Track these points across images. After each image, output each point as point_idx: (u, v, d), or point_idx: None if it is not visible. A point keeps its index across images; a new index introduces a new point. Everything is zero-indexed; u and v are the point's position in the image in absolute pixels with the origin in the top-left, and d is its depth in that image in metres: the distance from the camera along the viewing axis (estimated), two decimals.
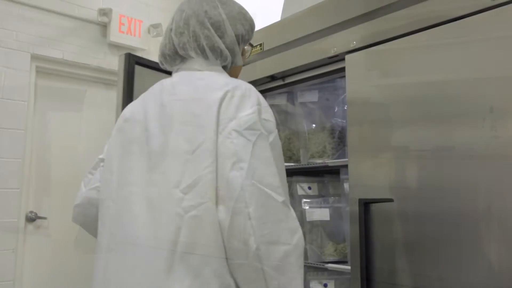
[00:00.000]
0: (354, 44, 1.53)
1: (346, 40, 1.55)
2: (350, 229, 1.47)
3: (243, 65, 1.27)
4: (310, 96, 1.88)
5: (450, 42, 1.29)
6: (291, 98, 1.96)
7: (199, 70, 1.13)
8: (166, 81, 1.16)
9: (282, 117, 1.98)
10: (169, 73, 1.24)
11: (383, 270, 1.38)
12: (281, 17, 2.12)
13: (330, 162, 1.71)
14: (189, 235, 0.93)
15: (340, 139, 1.81)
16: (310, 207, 1.75)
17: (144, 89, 1.58)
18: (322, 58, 1.65)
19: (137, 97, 1.25)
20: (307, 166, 1.80)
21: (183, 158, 0.97)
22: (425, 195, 1.30)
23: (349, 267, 1.53)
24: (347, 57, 1.54)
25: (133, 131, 1.11)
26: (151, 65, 1.70)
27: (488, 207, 1.17)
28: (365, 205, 1.43)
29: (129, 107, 1.21)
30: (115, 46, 3.18)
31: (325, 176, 1.90)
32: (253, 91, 1.04)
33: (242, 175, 0.92)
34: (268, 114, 1.02)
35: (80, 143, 3.11)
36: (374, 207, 1.42)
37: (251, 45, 1.28)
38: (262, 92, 1.96)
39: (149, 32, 3.30)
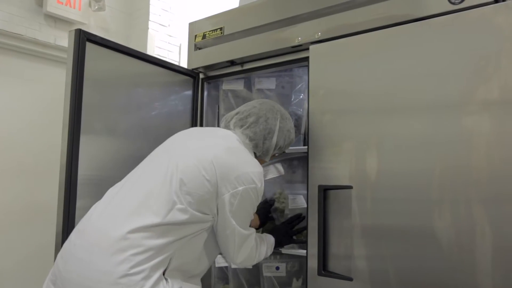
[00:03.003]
0: (319, 35, 1.57)
1: (311, 31, 1.59)
2: (309, 214, 1.53)
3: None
4: (268, 84, 1.90)
5: (410, 40, 1.37)
6: (248, 84, 1.97)
7: (237, 141, 1.46)
8: (227, 131, 1.51)
9: (239, 103, 1.98)
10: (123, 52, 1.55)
11: (339, 254, 1.45)
12: (239, 3, 2.11)
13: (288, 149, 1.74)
14: None
15: (296, 127, 1.85)
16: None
17: (97, 69, 1.54)
18: (286, 46, 1.67)
19: (89, 77, 1.48)
20: None
21: None
22: (382, 183, 1.38)
23: (304, 251, 1.59)
24: (311, 47, 1.58)
25: None
26: (105, 43, 1.61)
27: (441, 194, 1.28)
28: (324, 191, 1.49)
29: None
30: (51, 17, 2.96)
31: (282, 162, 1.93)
32: (257, 167, 1.38)
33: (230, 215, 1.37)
34: (261, 185, 1.39)
35: (7, 120, 2.88)
36: (333, 193, 1.48)
37: (281, 151, 1.59)
38: (220, 76, 1.96)
39: (90, 5, 3.10)
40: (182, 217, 1.23)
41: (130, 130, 1.55)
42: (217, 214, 1.32)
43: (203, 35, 1.93)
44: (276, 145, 1.50)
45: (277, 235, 1.66)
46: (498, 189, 1.19)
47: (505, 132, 1.19)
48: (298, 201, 1.85)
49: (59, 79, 3.11)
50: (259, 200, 1.39)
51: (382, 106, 1.41)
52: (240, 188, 1.30)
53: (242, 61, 1.87)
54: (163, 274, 1.22)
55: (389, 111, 1.39)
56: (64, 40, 3.03)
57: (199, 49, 1.98)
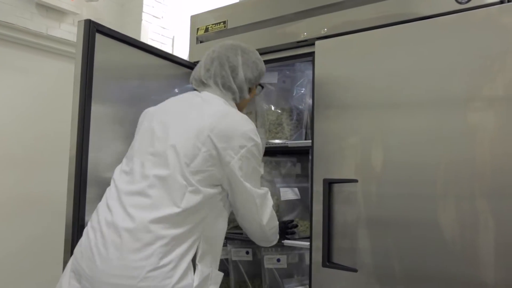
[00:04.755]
0: (325, 31, 1.59)
1: (317, 27, 1.61)
2: (313, 208, 1.55)
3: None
4: (270, 78, 1.92)
5: (417, 38, 1.40)
6: None
7: (216, 96, 1.48)
8: (200, 94, 1.51)
9: None
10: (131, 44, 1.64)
11: (344, 247, 1.49)
12: None
13: (291, 143, 1.77)
14: None
15: (298, 121, 1.88)
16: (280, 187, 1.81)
17: (106, 60, 1.52)
18: (291, 41, 1.69)
19: (98, 69, 1.51)
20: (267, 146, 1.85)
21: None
22: (387, 177, 1.41)
23: (307, 243, 1.62)
24: (317, 42, 1.60)
25: None
26: (113, 34, 1.60)
27: (445, 188, 1.32)
28: (329, 184, 1.52)
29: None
30: (43, 7, 2.91)
31: (281, 156, 1.96)
32: (248, 123, 1.39)
33: (241, 178, 1.40)
34: (258, 139, 1.40)
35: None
36: (337, 187, 1.51)
37: (261, 86, 1.64)
38: None
39: None
40: (196, 198, 1.26)
41: (136, 122, 1.54)
42: (230, 183, 1.35)
43: (205, 28, 1.93)
44: (246, 79, 1.50)
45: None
46: (501, 184, 1.23)
47: (508, 128, 1.23)
48: (289, 194, 1.86)
49: (50, 69, 3.07)
50: (262, 154, 1.46)
51: (387, 102, 1.44)
52: (244, 151, 1.34)
53: None
54: (194, 260, 1.25)
55: (394, 107, 1.43)
56: (56, 30, 2.99)
57: (201, 42, 1.98)
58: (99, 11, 3.21)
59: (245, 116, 1.43)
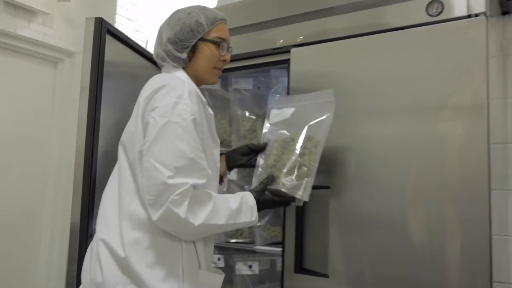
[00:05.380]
0: (301, 39, 1.62)
1: (294, 34, 1.63)
2: (286, 214, 1.56)
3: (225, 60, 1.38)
4: (245, 84, 1.92)
5: (390, 48, 1.44)
6: (225, 83, 1.98)
7: (165, 71, 1.36)
8: None
9: (216, 101, 1.99)
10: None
11: (316, 253, 1.50)
12: (217, 3, 2.12)
13: None
14: None
15: None
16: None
17: (115, 61, 1.48)
18: (267, 48, 1.70)
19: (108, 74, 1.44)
20: None
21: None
22: (359, 184, 1.44)
23: (279, 249, 1.62)
24: (292, 50, 1.62)
25: None
26: (120, 36, 1.54)
27: (414, 195, 1.35)
28: None
29: None
30: (11, 5, 2.82)
31: None
32: (179, 88, 1.19)
33: (145, 152, 1.14)
34: (186, 105, 1.16)
35: None
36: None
37: (213, 42, 1.34)
38: None
39: None
40: None
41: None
42: None
43: None
44: (168, 40, 1.32)
45: (260, 195, 1.32)
46: (468, 190, 1.27)
47: (475, 137, 1.28)
48: None
49: (16, 70, 2.98)
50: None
51: (360, 109, 1.47)
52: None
53: None
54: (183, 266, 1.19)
55: (367, 114, 1.46)
56: (25, 30, 2.91)
57: None
58: (70, 11, 3.15)
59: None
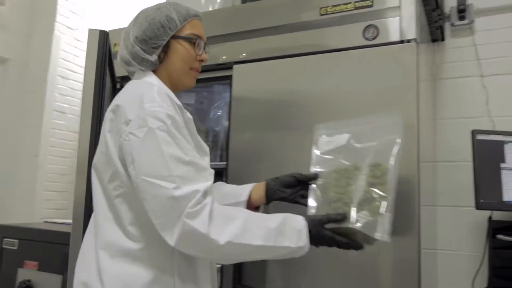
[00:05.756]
0: (243, 56, 1.64)
1: (237, 51, 1.65)
2: None
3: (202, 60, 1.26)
4: (187, 98, 1.91)
5: (329, 68, 1.50)
6: None
7: (136, 78, 1.21)
8: None
9: None
10: None
11: (254, 268, 1.50)
12: None
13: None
14: None
15: (214, 142, 1.89)
16: None
17: None
18: (210, 64, 1.70)
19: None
20: None
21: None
22: None
23: (218, 265, 1.61)
24: (235, 66, 1.64)
25: None
26: None
27: None
28: None
29: None
30: None
31: None
32: (147, 92, 1.07)
33: (135, 174, 1.00)
34: (160, 108, 1.03)
35: None
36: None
37: (187, 39, 1.20)
38: None
39: None
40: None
41: None
42: None
43: None
44: (135, 39, 1.18)
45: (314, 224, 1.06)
46: (399, 206, 1.32)
47: (406, 155, 1.34)
48: None
49: None
50: None
51: (299, 125, 1.51)
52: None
53: None
54: None
55: (306, 130, 1.49)
56: None
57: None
58: (5, 16, 2.99)
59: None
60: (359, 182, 1.10)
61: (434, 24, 1.95)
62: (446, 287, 1.90)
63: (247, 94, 1.61)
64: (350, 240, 1.05)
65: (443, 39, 2.13)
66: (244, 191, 1.27)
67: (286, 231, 1.02)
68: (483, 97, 2.04)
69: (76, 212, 1.46)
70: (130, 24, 1.24)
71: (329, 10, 1.51)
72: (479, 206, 1.66)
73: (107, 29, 2.05)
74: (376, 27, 1.44)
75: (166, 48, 1.19)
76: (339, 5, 1.50)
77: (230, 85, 1.64)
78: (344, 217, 1.05)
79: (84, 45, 3.26)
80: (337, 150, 1.21)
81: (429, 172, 1.86)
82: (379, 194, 1.07)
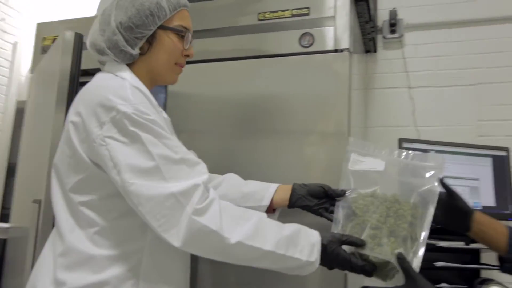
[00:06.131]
0: None
1: None
2: None
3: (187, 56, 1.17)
4: None
5: (266, 73, 1.52)
6: None
7: (108, 70, 1.10)
8: None
9: None
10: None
11: None
12: (97, 11, 2.03)
13: None
14: None
15: None
16: None
17: None
18: None
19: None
20: None
21: None
22: None
23: None
24: None
25: None
26: None
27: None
28: None
29: None
30: None
31: None
32: (119, 89, 0.98)
33: (121, 178, 0.92)
34: (137, 107, 0.96)
35: None
36: None
37: (176, 31, 1.11)
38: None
39: None
40: None
41: None
42: None
43: (53, 39, 1.79)
44: (119, 25, 1.05)
45: (330, 241, 1.00)
46: None
47: (337, 161, 1.38)
48: None
49: None
50: None
51: (235, 130, 1.51)
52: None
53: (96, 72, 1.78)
54: None
55: (242, 135, 1.50)
56: None
57: (47, 52, 1.83)
58: None
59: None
60: (401, 217, 1.05)
61: (367, 35, 2.03)
62: (373, 283, 1.97)
63: (182, 96, 1.59)
64: (366, 264, 0.98)
65: (375, 51, 2.23)
66: (266, 193, 1.20)
67: (300, 242, 0.96)
68: (410, 107, 2.16)
69: None
70: (110, 6, 1.10)
71: (267, 16, 1.53)
72: None
73: (36, 21, 1.95)
74: (312, 35, 1.48)
75: (151, 39, 1.09)
76: (277, 11, 1.52)
77: (166, 86, 1.61)
78: (364, 243, 0.99)
79: (11, 37, 3.08)
80: (372, 174, 1.15)
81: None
82: (416, 235, 1.03)
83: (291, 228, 0.99)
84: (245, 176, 1.45)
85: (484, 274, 1.77)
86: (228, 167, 1.47)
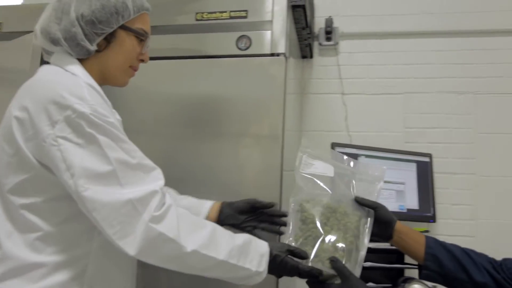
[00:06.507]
0: None
1: None
2: None
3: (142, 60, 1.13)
4: None
5: (200, 74, 1.50)
6: None
7: (56, 63, 1.02)
8: None
9: None
10: None
11: None
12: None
13: None
14: None
15: None
16: None
17: None
18: None
19: None
20: None
21: None
22: None
23: None
24: None
25: None
26: None
27: None
28: None
29: None
30: None
31: None
32: (74, 87, 0.92)
33: (74, 182, 0.86)
34: (93, 107, 0.91)
35: None
36: None
37: (137, 34, 1.08)
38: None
39: None
40: None
41: None
42: None
43: None
44: (79, 17, 0.99)
45: (278, 251, 1.02)
46: None
47: (270, 164, 1.40)
48: None
49: None
50: None
51: (169, 131, 1.49)
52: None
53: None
54: None
55: (177, 137, 1.48)
56: None
57: None
58: None
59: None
60: (348, 230, 1.08)
61: (304, 41, 2.08)
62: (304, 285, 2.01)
63: (116, 94, 1.53)
64: (313, 268, 1.01)
65: (311, 57, 2.29)
66: (202, 208, 1.21)
67: (250, 252, 0.97)
68: (343, 113, 2.24)
69: None
70: None
71: (204, 16, 1.52)
72: None
73: None
74: (249, 38, 1.48)
75: (109, 37, 1.04)
76: (215, 12, 1.51)
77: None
78: (308, 256, 1.03)
79: None
80: (321, 179, 1.16)
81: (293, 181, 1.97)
82: (358, 247, 1.07)
83: (242, 238, 0.99)
84: (179, 178, 1.43)
85: (408, 273, 1.86)
86: (162, 167, 1.43)
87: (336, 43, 2.30)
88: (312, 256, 1.04)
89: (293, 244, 1.07)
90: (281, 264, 1.00)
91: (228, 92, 1.47)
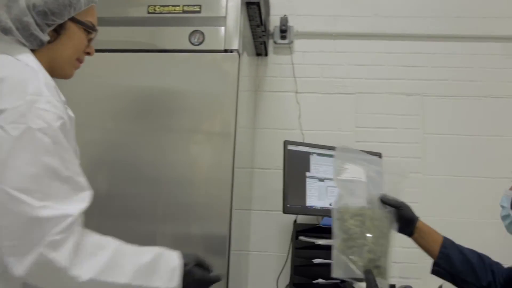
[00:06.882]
0: None
1: None
2: None
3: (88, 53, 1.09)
4: None
5: (152, 68, 1.48)
6: None
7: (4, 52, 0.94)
8: None
9: None
10: None
11: None
12: None
13: None
14: None
15: None
16: None
17: None
18: None
19: None
20: None
21: None
22: (113, 203, 1.40)
23: None
24: None
25: None
26: None
27: (163, 213, 1.39)
28: None
29: None
30: None
31: None
32: (31, 79, 0.87)
33: None
34: (48, 105, 0.85)
35: None
36: None
37: (86, 27, 1.04)
38: None
39: None
40: None
41: None
42: None
43: None
44: (30, 6, 0.96)
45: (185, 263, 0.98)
46: (212, 209, 1.38)
47: (221, 160, 1.39)
48: None
49: None
50: None
51: (120, 124, 1.46)
52: None
53: None
54: None
55: (127, 129, 1.46)
56: None
57: None
58: None
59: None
60: (384, 235, 1.11)
61: (259, 39, 2.08)
62: (254, 286, 2.02)
63: (65, 85, 1.48)
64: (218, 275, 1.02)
65: (266, 54, 2.30)
66: None
67: (159, 269, 0.92)
68: (297, 111, 2.26)
69: None
70: None
71: (157, 9, 1.49)
72: (286, 210, 1.82)
73: None
74: (202, 33, 1.47)
75: (59, 29, 1.00)
76: (167, 5, 1.49)
77: None
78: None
79: None
80: (355, 184, 1.16)
81: (246, 178, 1.97)
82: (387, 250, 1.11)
83: (151, 253, 0.94)
84: (128, 174, 1.40)
85: None
86: (112, 161, 1.41)
87: (291, 42, 2.32)
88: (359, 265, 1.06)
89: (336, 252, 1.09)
90: (187, 275, 0.96)
91: (180, 87, 1.45)
